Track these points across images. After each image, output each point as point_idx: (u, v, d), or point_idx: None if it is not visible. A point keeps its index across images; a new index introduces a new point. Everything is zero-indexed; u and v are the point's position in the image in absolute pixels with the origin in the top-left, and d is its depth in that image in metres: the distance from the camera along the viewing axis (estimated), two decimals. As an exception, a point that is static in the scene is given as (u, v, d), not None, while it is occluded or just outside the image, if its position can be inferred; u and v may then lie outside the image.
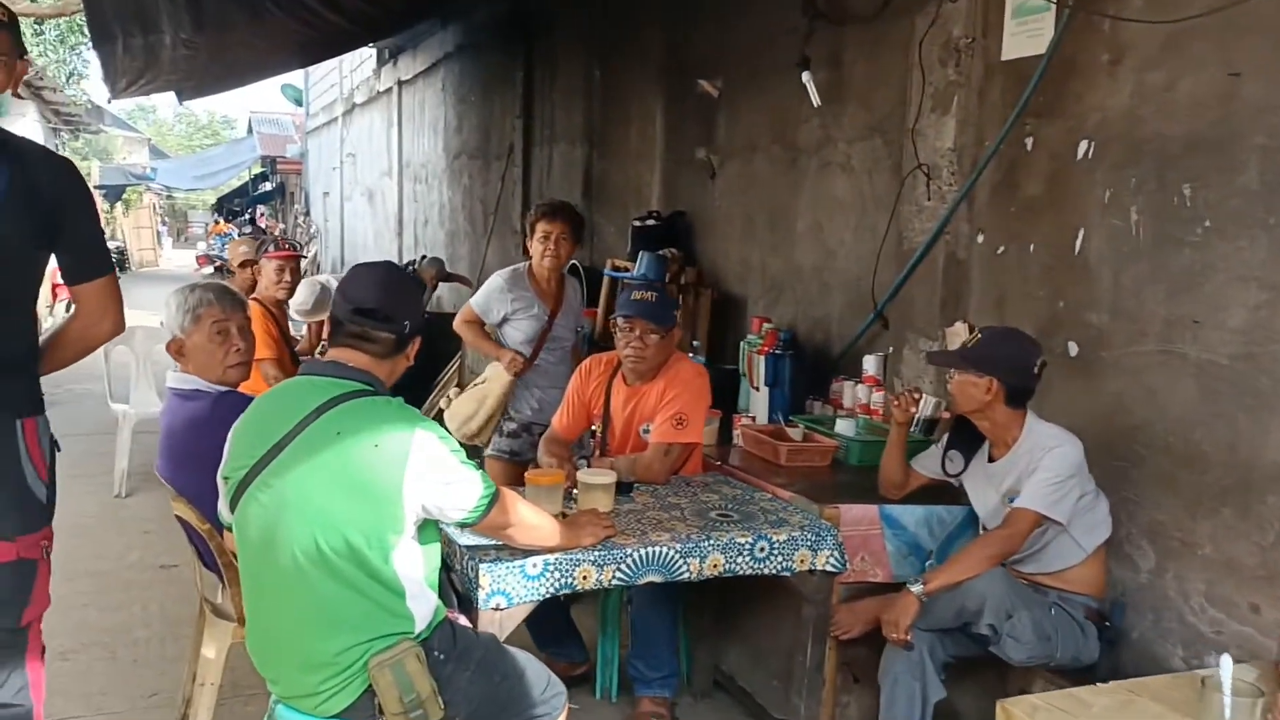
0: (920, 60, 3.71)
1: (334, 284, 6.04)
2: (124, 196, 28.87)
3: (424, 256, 8.74)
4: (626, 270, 5.58)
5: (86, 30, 22.98)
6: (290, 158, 22.94)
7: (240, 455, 2.25)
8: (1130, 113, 3.03)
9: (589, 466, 3.28)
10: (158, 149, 39.75)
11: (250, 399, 2.89)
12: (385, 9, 6.71)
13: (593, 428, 3.55)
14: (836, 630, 3.02)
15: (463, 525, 2.34)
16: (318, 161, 20.51)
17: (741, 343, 4.65)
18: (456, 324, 4.37)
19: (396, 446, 2.14)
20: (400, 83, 12.48)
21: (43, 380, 2.31)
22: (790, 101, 4.63)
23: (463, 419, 4.36)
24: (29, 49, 2.50)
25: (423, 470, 2.15)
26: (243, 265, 6.17)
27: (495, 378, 4.30)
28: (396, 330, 2.30)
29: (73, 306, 2.33)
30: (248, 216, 27.90)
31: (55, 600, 2.52)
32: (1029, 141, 3.38)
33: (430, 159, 11.36)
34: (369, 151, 14.95)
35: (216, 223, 31.38)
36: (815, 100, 4.29)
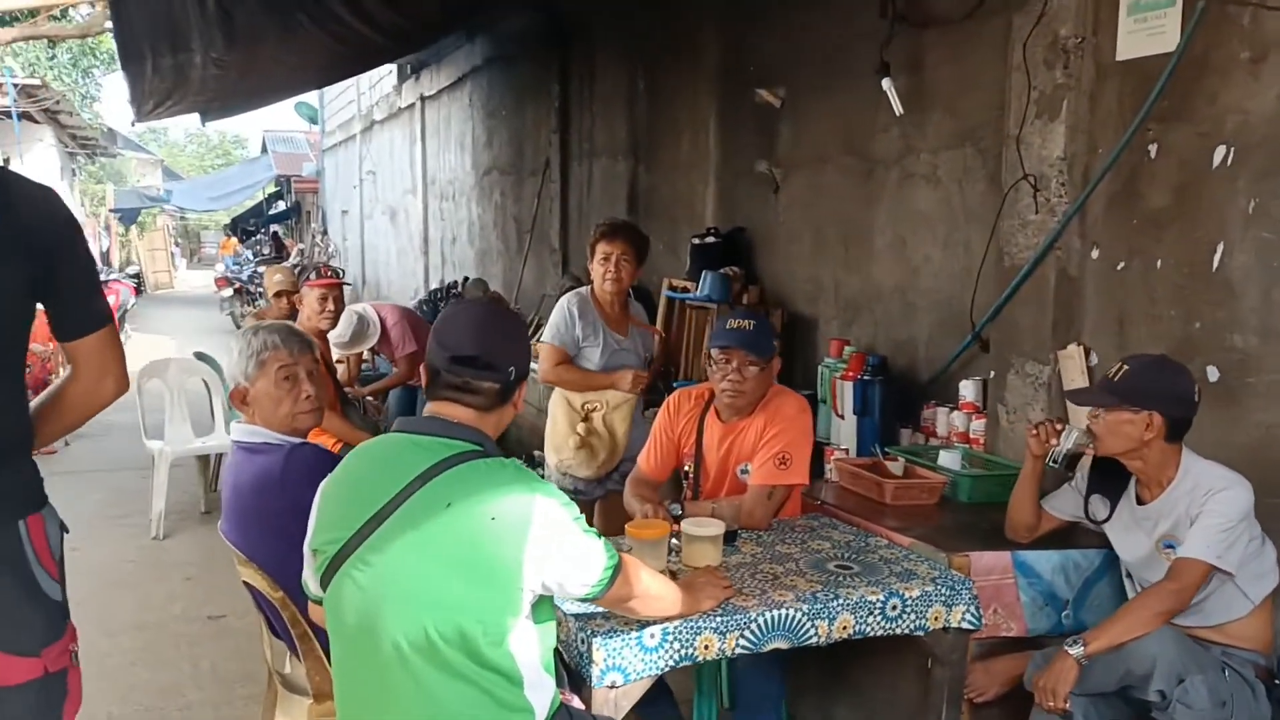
0: (1024, 62, 3.43)
1: (371, 313, 5.80)
2: (139, 219, 28.78)
3: (467, 278, 8.51)
4: (685, 290, 5.32)
5: (100, 53, 22.74)
6: (306, 176, 22.76)
7: (333, 526, 1.99)
8: (1278, 115, 2.76)
9: (682, 512, 3.01)
10: (170, 170, 39.71)
11: (327, 453, 2.63)
12: (417, 21, 6.48)
13: (684, 468, 3.27)
14: (971, 693, 2.74)
15: (583, 600, 2.06)
16: (335, 180, 20.33)
17: (819, 366, 4.38)
18: (544, 373, 3.99)
19: (516, 517, 1.88)
20: (423, 98, 12.26)
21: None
22: (864, 109, 4.36)
23: (572, 450, 3.98)
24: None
25: (544, 542, 1.89)
26: (278, 295, 5.93)
27: (616, 407, 3.95)
28: (501, 379, 2.03)
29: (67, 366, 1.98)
30: (268, 234, 27.79)
31: (99, 659, 2.27)
32: (1153, 149, 3.10)
33: (457, 175, 11.13)
34: (390, 169, 14.74)
35: (226, 239, 31.32)
36: (897, 108, 4.02)
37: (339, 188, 19.75)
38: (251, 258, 24.58)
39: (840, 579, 2.60)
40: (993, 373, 3.66)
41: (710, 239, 5.30)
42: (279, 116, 62.38)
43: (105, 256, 22.92)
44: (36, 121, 15.03)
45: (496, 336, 2.07)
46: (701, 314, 5.27)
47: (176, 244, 35.89)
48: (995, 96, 3.68)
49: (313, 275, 4.91)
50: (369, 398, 5.51)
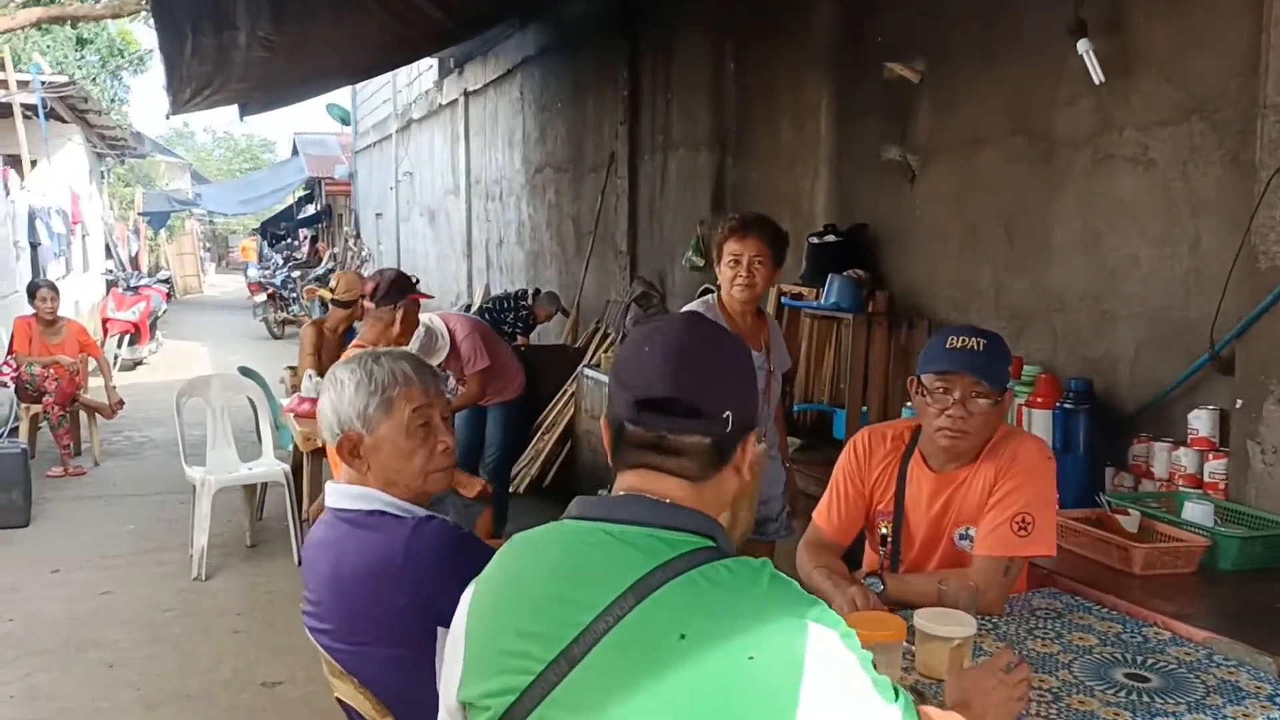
0: (1293, 11, 2.72)
1: (439, 324, 5.13)
2: (168, 223, 28.38)
3: (539, 290, 7.85)
4: (802, 297, 4.62)
5: (129, 55, 22.32)
6: (339, 179, 22.21)
7: (496, 669, 1.30)
8: None
9: (883, 588, 2.32)
10: (199, 174, 39.40)
11: (466, 536, 1.94)
12: (493, 1, 5.81)
13: (880, 530, 2.56)
14: None
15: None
16: (368, 181, 19.77)
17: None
18: None
19: (783, 656, 1.19)
20: (467, 93, 11.62)
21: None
22: (1040, 80, 3.65)
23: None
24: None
25: (825, 690, 1.19)
26: (340, 304, 5.31)
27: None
28: (712, 430, 1.34)
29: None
30: (298, 238, 27.29)
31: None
32: None
33: (505, 174, 10.48)
34: (430, 169, 14.13)
35: (246, 242, 30.86)
36: (1096, 75, 3.30)
37: (373, 190, 19.18)
38: (282, 262, 24.11)
39: (1142, 697, 1.90)
40: (1239, 401, 2.93)
41: (830, 238, 4.60)
42: (309, 118, 62.09)
43: (135, 260, 22.47)
44: (64, 121, 14.50)
45: (702, 368, 1.35)
46: (825, 325, 4.58)
47: (205, 248, 35.53)
48: (1236, 60, 2.96)
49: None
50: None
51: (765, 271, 3.30)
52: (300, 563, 5.11)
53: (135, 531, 5.86)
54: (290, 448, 5.53)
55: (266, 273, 19.50)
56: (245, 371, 5.93)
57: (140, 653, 4.10)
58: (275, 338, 17.04)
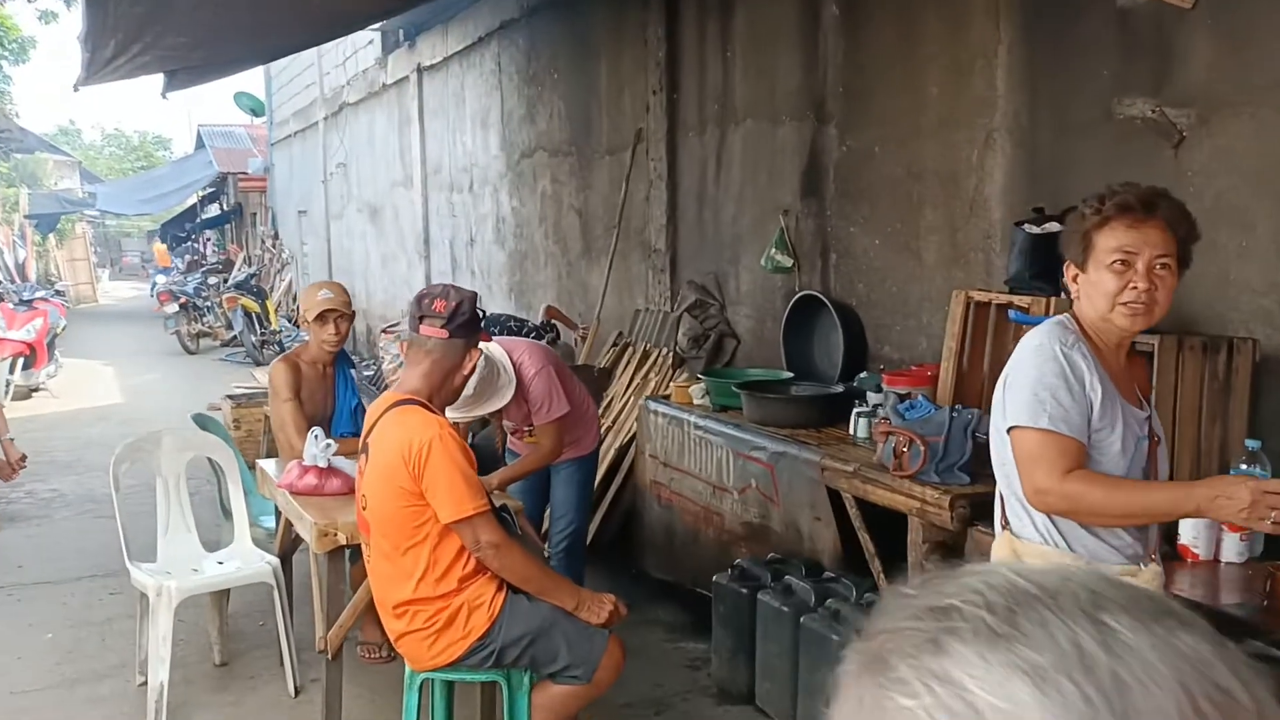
0: None
1: (502, 355, 3.73)
2: (58, 226, 25.88)
3: (553, 325, 6.48)
4: (1027, 310, 3.34)
5: (9, 44, 20.13)
6: (253, 174, 20.23)
7: None
8: None
9: None
10: (90, 173, 36.50)
11: None
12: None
13: None
14: None
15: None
16: (288, 176, 17.92)
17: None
18: (1053, 493, 1.95)
19: None
20: (421, 69, 10.10)
21: None
22: None
23: None
24: None
25: None
26: (322, 318, 3.90)
27: None
28: None
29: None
30: (201, 240, 25.13)
31: None
32: None
33: (477, 161, 9.01)
34: (370, 159, 12.52)
35: (159, 247, 28.40)
36: None
37: (294, 185, 17.37)
38: (184, 267, 22.00)
39: None
40: None
41: (1053, 226, 3.34)
42: (214, 110, 58.87)
43: (22, 269, 20.16)
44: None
45: None
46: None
47: (96, 253, 32.78)
48: None
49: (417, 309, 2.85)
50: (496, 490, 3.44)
51: (1171, 281, 2.01)
52: (297, 693, 3.65)
53: (55, 644, 4.29)
54: (273, 527, 4.06)
55: (177, 280, 17.53)
56: (201, 422, 4.42)
57: None
58: (190, 352, 15.19)
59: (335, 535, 3.11)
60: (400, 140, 11.17)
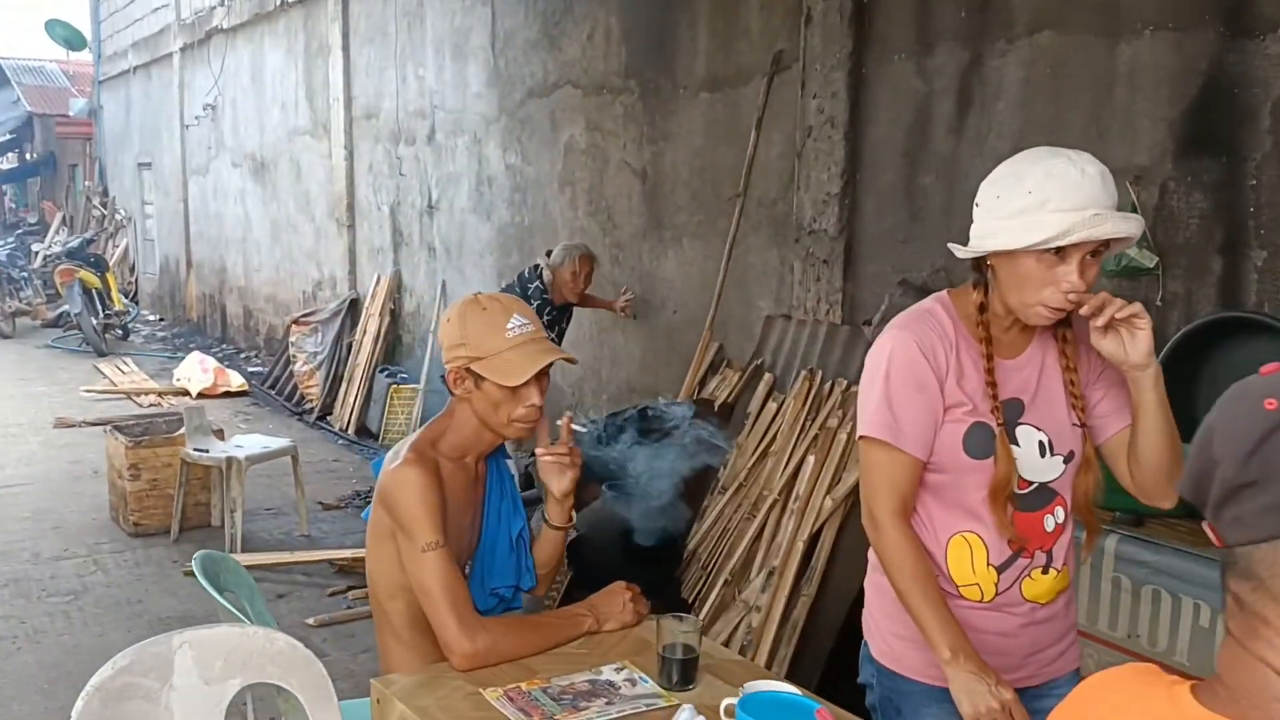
0: None
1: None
2: None
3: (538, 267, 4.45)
4: None
5: None
6: (76, 117, 16.77)
7: None
8: None
9: None
10: None
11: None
12: None
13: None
14: None
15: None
16: (124, 121, 14.76)
17: None
18: None
19: None
20: (349, -19, 7.71)
21: None
22: None
23: None
24: None
25: None
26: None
27: None
28: None
29: None
30: (5, 195, 21.21)
31: None
32: None
33: (444, 102, 6.74)
34: (255, 100, 9.91)
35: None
36: None
37: (133, 132, 14.28)
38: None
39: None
40: None
41: None
42: (16, 42, 51.68)
43: None
44: None
45: None
46: None
47: None
48: None
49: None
50: None
51: None
52: None
53: None
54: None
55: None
56: (209, 568, 2.21)
57: None
58: (4, 336, 12.09)
59: None
60: (307, 76, 8.69)
